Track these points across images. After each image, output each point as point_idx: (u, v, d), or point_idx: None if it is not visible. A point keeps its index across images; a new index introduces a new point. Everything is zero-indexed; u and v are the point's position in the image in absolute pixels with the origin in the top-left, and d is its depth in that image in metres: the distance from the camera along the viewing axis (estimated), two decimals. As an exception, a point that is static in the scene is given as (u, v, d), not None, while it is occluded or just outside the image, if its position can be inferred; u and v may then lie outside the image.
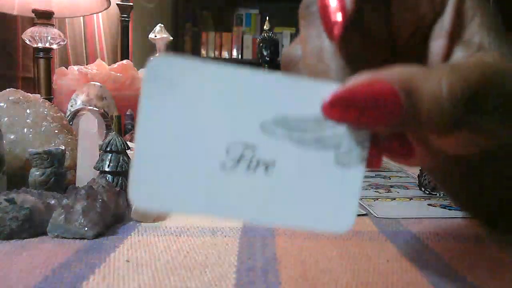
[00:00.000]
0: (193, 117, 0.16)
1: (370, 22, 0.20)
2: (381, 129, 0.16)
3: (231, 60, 2.61)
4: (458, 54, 0.19)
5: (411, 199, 0.44)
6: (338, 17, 0.17)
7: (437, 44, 0.20)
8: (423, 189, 0.46)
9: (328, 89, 0.16)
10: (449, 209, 0.39)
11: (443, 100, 0.16)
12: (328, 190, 0.17)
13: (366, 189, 0.49)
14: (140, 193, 0.16)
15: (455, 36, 0.20)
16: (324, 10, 0.18)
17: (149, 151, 0.16)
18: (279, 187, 0.16)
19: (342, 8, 0.17)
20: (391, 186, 0.51)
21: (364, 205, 0.41)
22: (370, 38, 0.21)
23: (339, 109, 0.16)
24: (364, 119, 0.15)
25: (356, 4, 0.17)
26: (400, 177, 0.57)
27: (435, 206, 0.41)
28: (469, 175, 0.28)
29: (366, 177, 0.57)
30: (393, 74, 0.16)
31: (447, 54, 0.20)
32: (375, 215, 0.37)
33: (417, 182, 0.49)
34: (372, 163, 0.17)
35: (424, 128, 0.16)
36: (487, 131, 0.18)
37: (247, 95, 0.16)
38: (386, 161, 0.72)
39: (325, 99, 0.16)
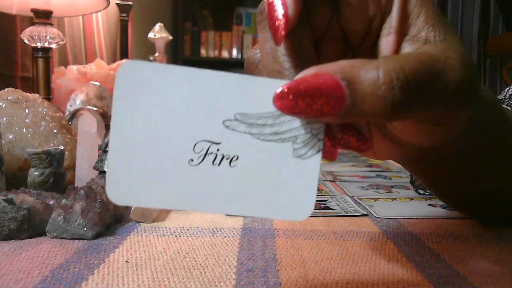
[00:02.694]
0: (162, 117, 0.17)
1: (319, 21, 0.21)
2: (331, 119, 0.17)
3: (231, 60, 2.61)
4: (406, 49, 0.20)
5: (411, 199, 0.44)
6: (281, 22, 0.18)
7: (386, 40, 0.21)
8: (422, 191, 0.46)
9: (280, 86, 0.17)
10: (450, 209, 0.39)
11: (380, 85, 0.17)
12: (288, 181, 0.18)
13: (367, 189, 0.49)
14: (116, 190, 0.17)
15: (403, 32, 0.21)
16: (269, 16, 0.19)
17: (123, 151, 0.17)
18: (242, 179, 0.18)
19: (285, 14, 0.18)
20: (392, 187, 0.51)
21: (365, 205, 0.41)
22: (325, 38, 0.22)
23: (288, 100, 0.17)
24: (311, 110, 0.17)
25: (298, 9, 0.18)
26: (401, 177, 0.57)
27: (436, 206, 0.41)
28: (435, 165, 0.28)
29: (367, 177, 0.57)
30: (335, 66, 0.17)
31: (396, 50, 0.21)
32: (376, 215, 0.37)
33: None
34: (328, 155, 0.18)
35: (368, 114, 0.17)
36: (430, 116, 0.19)
37: (211, 95, 0.17)
38: (386, 161, 0.72)
39: (276, 92, 0.17)
